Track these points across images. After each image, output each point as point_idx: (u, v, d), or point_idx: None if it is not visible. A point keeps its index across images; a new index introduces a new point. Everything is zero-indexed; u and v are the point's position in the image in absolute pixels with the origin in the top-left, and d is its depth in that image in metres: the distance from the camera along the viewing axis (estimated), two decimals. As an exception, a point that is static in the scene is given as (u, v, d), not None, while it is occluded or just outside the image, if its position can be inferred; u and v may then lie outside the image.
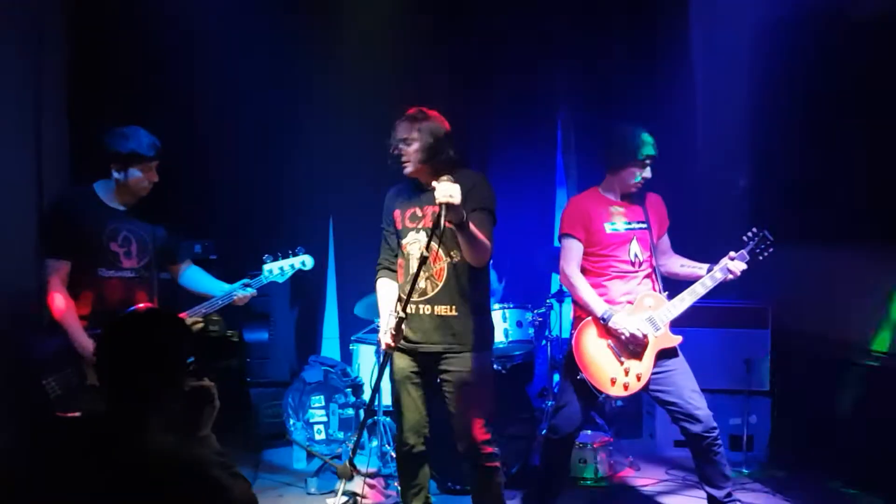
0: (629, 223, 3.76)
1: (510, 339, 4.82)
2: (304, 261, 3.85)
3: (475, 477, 3.41)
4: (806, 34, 4.87)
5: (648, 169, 3.72)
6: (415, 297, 3.23)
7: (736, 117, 5.52)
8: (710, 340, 4.89)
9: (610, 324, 3.61)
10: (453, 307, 3.27)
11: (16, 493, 3.52)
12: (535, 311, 5.00)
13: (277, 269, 3.78)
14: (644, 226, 3.78)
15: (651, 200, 3.86)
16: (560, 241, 3.81)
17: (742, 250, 3.67)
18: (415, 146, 3.28)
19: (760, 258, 3.68)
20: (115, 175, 3.47)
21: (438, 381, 3.35)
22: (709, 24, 5.82)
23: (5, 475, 3.63)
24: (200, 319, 3.54)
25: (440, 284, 3.27)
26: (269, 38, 5.53)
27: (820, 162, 4.81)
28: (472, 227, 3.05)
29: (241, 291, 3.64)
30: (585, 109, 6.04)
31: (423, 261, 2.98)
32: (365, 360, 5.11)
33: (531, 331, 4.93)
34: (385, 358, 3.16)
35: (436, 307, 3.28)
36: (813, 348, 4.90)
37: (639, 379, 3.64)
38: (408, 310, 3.07)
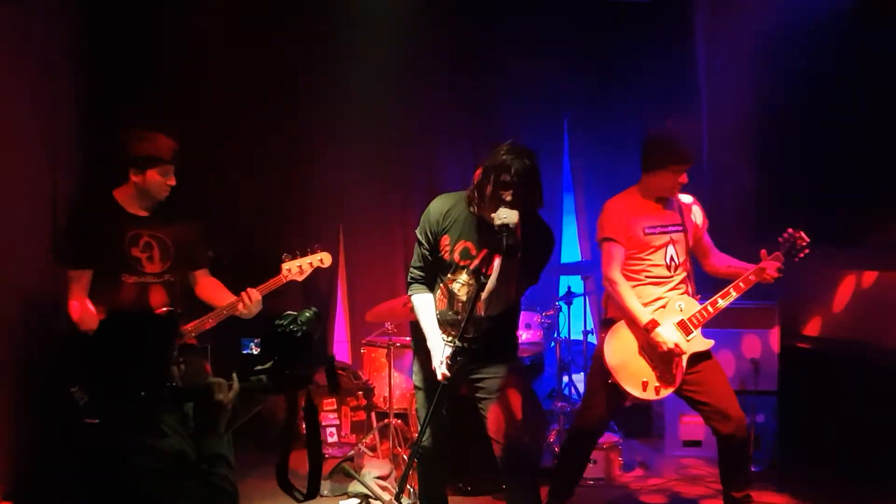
0: (666, 226, 3.73)
1: (520, 341, 4.89)
2: (323, 258, 3.86)
3: (513, 485, 3.37)
4: (813, 31, 4.88)
5: (685, 174, 3.69)
6: (454, 333, 3.16)
7: (743, 117, 5.53)
8: (718, 340, 4.74)
9: (652, 335, 3.58)
10: (495, 339, 3.22)
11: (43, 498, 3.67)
12: (544, 313, 5.09)
13: (296, 267, 3.80)
14: (680, 228, 3.75)
15: (686, 202, 3.83)
16: (600, 246, 3.77)
17: (776, 251, 3.65)
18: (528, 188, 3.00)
19: (796, 259, 3.66)
20: (134, 179, 3.51)
21: (469, 389, 3.32)
22: (715, 24, 5.88)
23: (34, 483, 3.78)
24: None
25: (488, 326, 3.13)
26: (281, 42, 5.60)
27: (828, 161, 4.83)
28: (517, 259, 2.91)
29: (248, 302, 3.62)
30: (593, 110, 6.10)
31: (480, 289, 2.97)
32: (375, 364, 5.20)
33: (540, 333, 5.02)
34: (441, 391, 3.00)
35: (473, 345, 3.12)
36: (821, 347, 4.94)
37: (670, 382, 3.66)
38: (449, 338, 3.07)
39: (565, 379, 5.29)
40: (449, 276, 3.21)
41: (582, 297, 5.39)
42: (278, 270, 3.78)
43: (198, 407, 2.22)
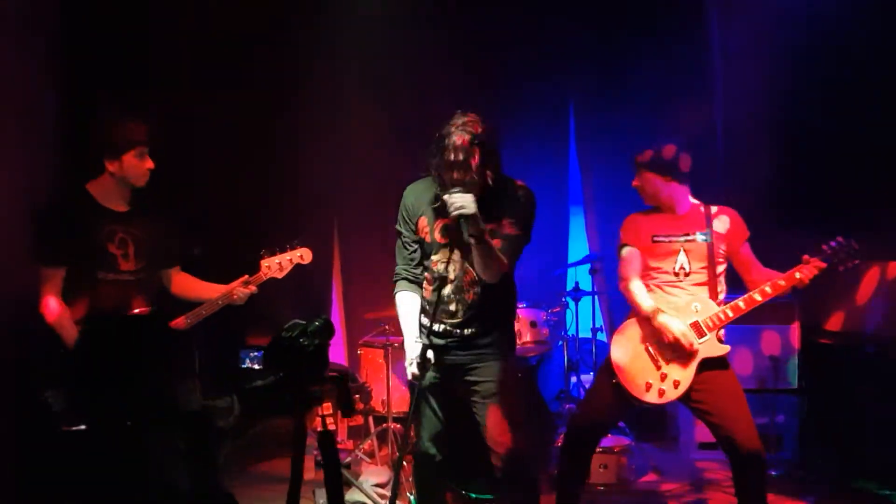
0: (677, 236, 3.72)
1: (524, 339, 4.82)
2: (303, 254, 3.84)
3: (510, 496, 3.31)
4: (836, 13, 4.82)
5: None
6: (443, 318, 3.16)
7: (760, 104, 5.44)
8: (735, 337, 4.73)
9: (655, 322, 3.56)
10: (482, 327, 3.20)
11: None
12: (550, 310, 4.99)
13: (276, 263, 3.78)
14: (692, 238, 3.71)
15: (719, 214, 3.77)
16: (619, 252, 3.81)
17: (816, 257, 3.57)
18: (477, 158, 2.99)
19: (841, 268, 3.57)
20: (110, 168, 3.48)
21: (464, 392, 3.27)
22: (730, 4, 5.77)
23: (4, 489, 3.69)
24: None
25: (471, 307, 3.16)
26: (269, 32, 5.55)
27: (847, 154, 4.78)
28: (488, 240, 2.96)
29: (241, 289, 3.68)
30: (601, 94, 6.01)
31: (441, 282, 2.97)
32: (372, 366, 5.12)
33: (546, 331, 4.92)
34: (416, 393, 3.01)
35: (465, 329, 3.18)
36: (843, 344, 4.87)
37: (676, 386, 3.57)
38: (434, 327, 3.06)
39: (573, 379, 5.23)
40: (433, 258, 3.21)
41: (590, 294, 5.29)
42: (258, 267, 3.78)
43: (194, 434, 2.07)
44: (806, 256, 3.58)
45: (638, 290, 3.67)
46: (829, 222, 4.71)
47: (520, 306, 4.84)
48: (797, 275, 3.55)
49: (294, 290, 5.26)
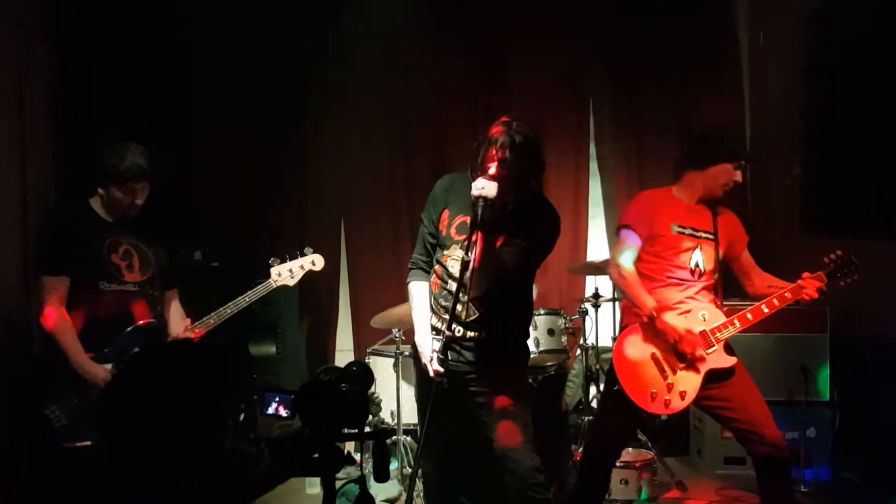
0: (697, 230, 3.66)
1: (541, 348, 4.77)
2: (314, 260, 3.83)
3: None
4: (867, 13, 4.74)
5: (740, 173, 3.65)
6: (447, 317, 3.15)
7: (791, 100, 5.39)
8: (763, 346, 4.83)
9: (658, 322, 3.50)
10: (490, 331, 3.22)
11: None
12: (569, 317, 4.96)
13: (287, 271, 3.78)
14: (711, 237, 3.69)
15: (722, 214, 3.77)
16: (617, 232, 3.73)
17: (819, 271, 3.58)
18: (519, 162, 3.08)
19: (841, 283, 3.60)
20: (100, 191, 3.50)
21: (470, 400, 3.26)
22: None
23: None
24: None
25: (480, 312, 3.18)
26: (273, 33, 5.58)
27: (883, 152, 4.68)
28: (495, 234, 3.05)
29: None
30: (622, 92, 5.94)
31: (464, 266, 3.01)
32: (382, 375, 5.08)
33: (564, 339, 4.89)
34: (435, 388, 3.04)
35: (468, 332, 3.20)
36: (878, 353, 4.77)
37: (683, 397, 3.53)
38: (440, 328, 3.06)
39: (593, 390, 5.15)
40: (445, 252, 3.24)
41: (611, 300, 5.23)
42: (267, 275, 3.76)
43: (219, 482, 1.75)
44: (806, 274, 3.58)
45: (636, 285, 3.57)
46: (862, 225, 4.68)
47: (536, 313, 4.80)
48: (802, 286, 3.55)
49: (301, 297, 5.34)
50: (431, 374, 3.10)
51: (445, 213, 3.26)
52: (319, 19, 5.70)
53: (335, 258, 5.74)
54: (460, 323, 3.17)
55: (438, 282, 3.26)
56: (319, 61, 5.70)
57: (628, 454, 4.61)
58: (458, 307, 3.11)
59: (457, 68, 5.84)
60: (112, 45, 5.17)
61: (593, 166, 6.01)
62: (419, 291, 3.30)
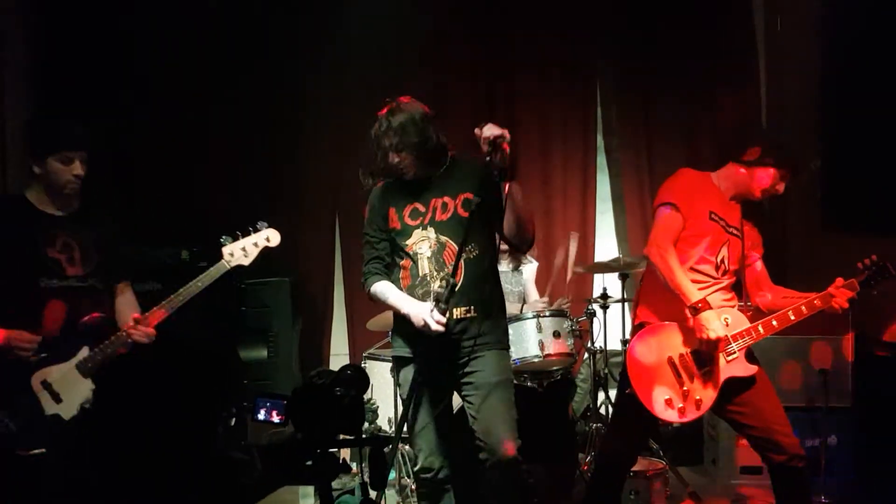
0: (728, 225, 3.58)
1: (547, 352, 4.68)
2: (269, 236, 3.61)
3: (501, 486, 3.24)
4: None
5: (784, 185, 3.56)
6: (428, 301, 3.15)
7: (808, 91, 5.40)
8: (781, 348, 4.80)
9: (698, 317, 3.36)
10: (472, 308, 3.22)
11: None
12: (575, 319, 4.86)
13: (240, 250, 3.55)
14: (739, 234, 3.61)
15: (745, 220, 3.69)
16: (656, 211, 3.59)
17: (852, 279, 3.48)
18: (405, 148, 3.22)
19: (875, 292, 3.50)
20: (36, 171, 3.34)
21: (459, 387, 3.29)
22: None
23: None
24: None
25: (457, 284, 3.14)
26: (265, 26, 5.68)
27: None
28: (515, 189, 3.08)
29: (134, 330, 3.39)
30: (631, 81, 5.97)
31: (472, 216, 3.07)
32: (379, 380, 4.99)
33: (571, 342, 4.80)
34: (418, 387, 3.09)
35: (453, 309, 3.17)
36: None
37: (698, 406, 3.46)
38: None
39: (601, 396, 5.11)
40: (407, 243, 3.29)
41: (620, 301, 5.21)
42: (219, 256, 3.54)
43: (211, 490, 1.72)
44: (840, 279, 3.48)
45: (681, 273, 3.42)
46: (888, 223, 4.62)
47: (541, 315, 4.73)
48: (832, 295, 3.46)
49: (293, 298, 5.31)
50: (434, 327, 3.04)
51: (392, 211, 3.33)
52: (319, 19, 5.79)
53: (330, 260, 5.81)
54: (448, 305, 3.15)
55: (409, 276, 3.29)
56: (317, 61, 5.79)
57: (639, 463, 4.53)
58: (434, 285, 3.19)
59: (458, 64, 5.89)
60: (111, 46, 5.29)
61: (601, 161, 6.03)
62: (387, 286, 3.30)
